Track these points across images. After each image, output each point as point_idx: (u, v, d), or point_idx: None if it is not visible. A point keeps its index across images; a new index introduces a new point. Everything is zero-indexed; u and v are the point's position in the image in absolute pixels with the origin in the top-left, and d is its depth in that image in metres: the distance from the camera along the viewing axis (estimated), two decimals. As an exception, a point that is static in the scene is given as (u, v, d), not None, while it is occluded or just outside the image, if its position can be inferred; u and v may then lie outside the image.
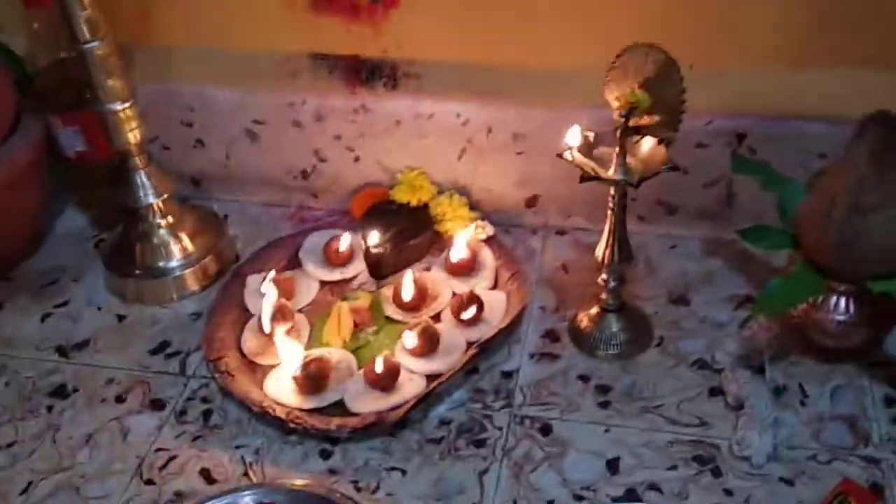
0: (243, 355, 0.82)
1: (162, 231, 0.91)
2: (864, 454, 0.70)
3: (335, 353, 0.80)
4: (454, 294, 0.85)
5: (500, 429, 0.75)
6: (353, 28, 0.91)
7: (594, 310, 0.82)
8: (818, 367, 0.78)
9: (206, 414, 0.78)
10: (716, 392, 0.76)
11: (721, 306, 0.85)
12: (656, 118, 0.71)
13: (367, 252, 0.89)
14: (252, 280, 0.88)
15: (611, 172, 0.72)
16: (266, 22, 0.92)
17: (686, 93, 0.70)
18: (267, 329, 0.81)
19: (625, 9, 0.83)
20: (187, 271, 0.91)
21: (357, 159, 0.98)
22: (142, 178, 0.89)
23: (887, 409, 0.74)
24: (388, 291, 0.86)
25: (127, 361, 0.84)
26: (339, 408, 0.76)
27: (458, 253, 0.87)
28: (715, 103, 0.85)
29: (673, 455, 0.72)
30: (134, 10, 0.94)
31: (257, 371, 0.80)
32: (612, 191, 0.74)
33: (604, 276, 0.80)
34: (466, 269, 0.87)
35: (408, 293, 0.84)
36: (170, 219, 0.92)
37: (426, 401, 0.75)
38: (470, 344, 0.80)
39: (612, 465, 0.71)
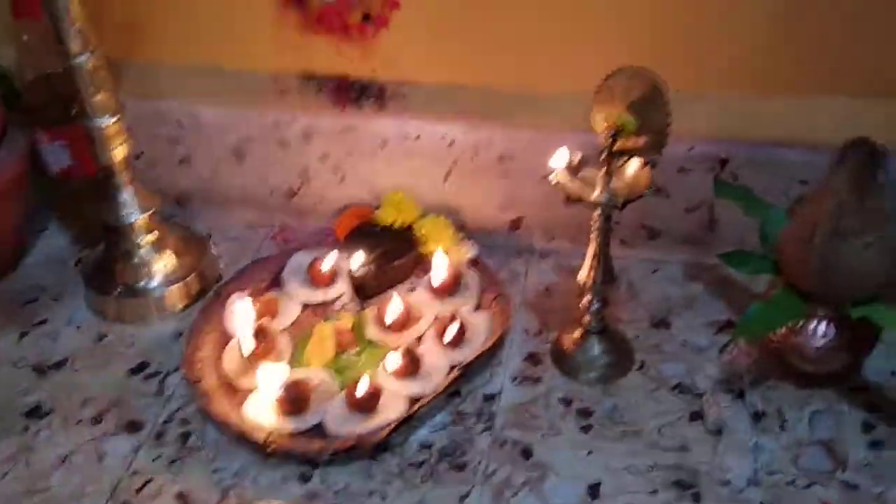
0: (224, 376, 0.81)
1: (144, 249, 0.90)
2: (842, 479, 0.71)
3: (316, 375, 0.80)
4: (436, 316, 0.84)
5: (482, 452, 0.74)
6: (343, 47, 0.91)
7: (577, 332, 0.82)
8: (797, 392, 0.78)
9: (185, 436, 0.77)
10: (696, 416, 0.76)
11: (702, 331, 0.85)
12: (643, 140, 0.72)
13: (350, 273, 0.88)
14: (233, 300, 0.88)
15: (596, 195, 0.73)
16: (256, 41, 0.93)
17: (672, 116, 0.70)
18: (245, 351, 0.80)
19: (613, 32, 0.84)
20: (169, 290, 0.90)
21: (343, 179, 0.98)
22: (125, 195, 0.88)
23: (865, 434, 0.74)
24: (371, 312, 0.86)
25: (105, 382, 0.83)
26: (319, 430, 0.75)
27: (440, 274, 0.87)
28: (698, 128, 0.86)
29: (654, 479, 0.71)
30: (123, 25, 0.94)
31: (238, 393, 0.79)
32: (596, 213, 0.74)
33: (587, 298, 0.80)
34: (450, 290, 0.87)
35: (392, 315, 0.83)
36: (153, 237, 0.91)
37: (408, 424, 0.75)
38: (452, 367, 0.80)
39: (593, 490, 0.71)
